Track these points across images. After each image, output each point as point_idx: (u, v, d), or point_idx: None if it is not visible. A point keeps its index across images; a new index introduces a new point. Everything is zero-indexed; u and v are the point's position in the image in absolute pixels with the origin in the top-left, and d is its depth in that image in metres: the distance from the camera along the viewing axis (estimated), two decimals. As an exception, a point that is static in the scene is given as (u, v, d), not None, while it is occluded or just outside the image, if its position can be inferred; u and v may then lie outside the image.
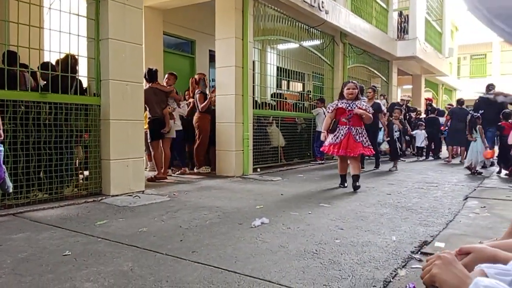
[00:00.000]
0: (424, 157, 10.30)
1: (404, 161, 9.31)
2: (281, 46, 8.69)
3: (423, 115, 12.05)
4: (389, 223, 3.35)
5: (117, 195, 4.44)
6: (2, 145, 3.39)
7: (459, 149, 10.02)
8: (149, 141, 5.87)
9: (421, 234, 3.01)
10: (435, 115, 10.69)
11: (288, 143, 8.05)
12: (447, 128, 9.88)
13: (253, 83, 6.98)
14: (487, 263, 0.91)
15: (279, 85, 9.28)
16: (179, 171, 6.59)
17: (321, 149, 5.57)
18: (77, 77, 4.51)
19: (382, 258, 2.44)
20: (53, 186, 4.12)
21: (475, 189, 5.26)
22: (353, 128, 4.99)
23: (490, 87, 8.28)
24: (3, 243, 2.75)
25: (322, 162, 8.48)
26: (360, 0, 10.66)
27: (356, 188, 4.94)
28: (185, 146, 6.95)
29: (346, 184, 5.27)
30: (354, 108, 4.98)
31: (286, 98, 8.54)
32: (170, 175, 6.35)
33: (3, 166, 3.40)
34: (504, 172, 6.76)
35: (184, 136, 6.66)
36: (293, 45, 8.55)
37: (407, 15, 13.23)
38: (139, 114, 4.86)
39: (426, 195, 4.81)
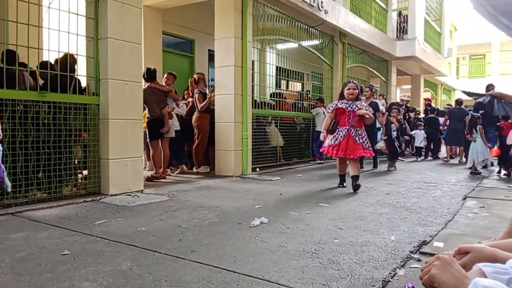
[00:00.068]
0: (423, 157, 10.31)
1: (403, 161, 9.32)
2: (281, 46, 8.70)
3: (422, 115, 12.07)
4: (388, 223, 3.36)
5: (116, 195, 4.44)
6: (1, 144, 3.39)
7: (458, 149, 10.05)
8: (148, 140, 5.87)
9: (420, 234, 3.01)
10: (435, 115, 10.69)
11: (287, 143, 8.06)
12: (446, 128, 9.90)
13: (252, 82, 6.98)
14: (486, 262, 0.91)
15: (278, 85, 9.28)
16: (178, 170, 6.58)
17: (320, 150, 5.54)
18: (75, 76, 4.50)
19: (381, 258, 2.44)
20: (52, 185, 4.11)
21: (474, 189, 5.27)
22: (352, 129, 4.93)
23: (489, 87, 8.28)
24: (1, 242, 2.74)
25: (321, 162, 8.48)
26: (360, 0, 10.67)
27: (356, 188, 4.87)
28: (183, 145, 6.95)
29: (345, 184, 5.25)
30: (355, 108, 4.93)
31: (285, 98, 8.54)
32: (169, 175, 6.35)
33: (2, 166, 3.40)
34: (503, 172, 6.77)
35: (182, 135, 6.66)
36: (292, 45, 8.55)
37: (406, 15, 13.25)
38: (138, 113, 4.85)
39: (425, 195, 4.82)
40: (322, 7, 8.14)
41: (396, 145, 7.55)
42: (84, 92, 4.56)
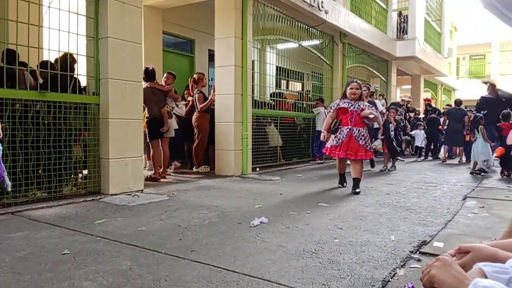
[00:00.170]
0: (423, 157, 10.31)
1: (403, 161, 9.32)
2: (281, 46, 8.70)
3: (421, 115, 12.08)
4: (388, 223, 3.36)
5: (116, 194, 4.44)
6: (1, 144, 3.39)
7: (457, 150, 10.06)
8: (148, 140, 5.87)
9: (420, 234, 3.01)
10: (436, 115, 10.70)
11: (287, 142, 8.06)
12: (445, 128, 9.92)
13: (253, 82, 6.97)
14: (486, 262, 0.91)
15: (278, 85, 9.29)
16: (172, 168, 6.60)
17: (323, 151, 5.49)
18: (74, 76, 4.50)
19: (381, 258, 2.45)
20: (52, 185, 4.11)
21: (473, 189, 5.27)
22: (354, 129, 4.86)
23: (487, 85, 8.31)
24: (1, 241, 2.74)
25: (321, 162, 8.48)
26: (360, 0, 10.67)
27: (355, 193, 4.75)
28: (183, 144, 6.96)
29: (345, 184, 5.23)
30: (358, 108, 4.85)
31: (285, 98, 8.54)
32: (169, 174, 6.35)
33: (2, 165, 3.40)
34: (504, 172, 6.77)
35: (182, 135, 6.66)
36: (292, 45, 8.55)
37: (407, 15, 13.24)
38: (138, 113, 4.85)
39: (425, 195, 4.82)
40: (322, 7, 8.14)
41: (394, 144, 7.54)
42: (83, 92, 4.56)
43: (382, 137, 7.49)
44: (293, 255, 2.48)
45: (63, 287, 2.00)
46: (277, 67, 8.20)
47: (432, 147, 10.56)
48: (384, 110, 8.49)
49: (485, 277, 0.85)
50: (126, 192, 4.55)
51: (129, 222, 3.34)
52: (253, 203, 4.17)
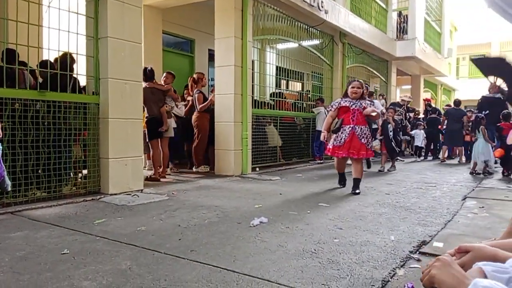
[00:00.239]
0: (423, 157, 10.31)
1: (403, 161, 9.32)
2: (281, 46, 8.70)
3: (421, 115, 12.08)
4: (387, 223, 3.36)
5: (115, 194, 4.44)
6: (0, 143, 3.39)
7: (457, 150, 10.06)
8: (147, 140, 5.87)
9: (419, 234, 3.01)
10: (436, 115, 10.70)
11: (287, 142, 8.05)
12: (444, 128, 9.94)
13: (252, 82, 6.98)
14: (486, 262, 0.91)
15: (278, 85, 9.29)
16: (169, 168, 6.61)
17: (325, 152, 5.45)
18: (74, 75, 4.50)
19: (381, 258, 2.44)
20: (52, 184, 4.11)
21: (473, 189, 5.27)
22: (357, 127, 4.82)
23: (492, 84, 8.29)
24: (1, 241, 2.74)
25: (321, 161, 8.48)
26: (360, 0, 10.67)
27: (355, 194, 4.72)
28: (182, 144, 6.95)
29: (345, 183, 5.23)
30: (360, 107, 4.82)
31: (285, 98, 8.54)
32: (169, 174, 6.35)
33: (2, 165, 3.39)
34: (505, 172, 6.77)
35: (182, 135, 6.65)
36: (292, 45, 8.55)
37: (406, 15, 13.25)
38: (138, 112, 4.85)
39: (425, 195, 4.82)
40: (322, 7, 8.14)
41: (393, 145, 7.54)
42: (83, 91, 4.56)
43: (381, 137, 7.49)
44: (292, 255, 2.48)
45: (63, 286, 2.00)
46: (277, 67, 8.20)
47: (432, 147, 10.57)
48: (384, 110, 8.49)
49: (485, 276, 0.85)
50: (125, 192, 4.54)
51: (128, 222, 3.34)
52: (253, 203, 4.17)
